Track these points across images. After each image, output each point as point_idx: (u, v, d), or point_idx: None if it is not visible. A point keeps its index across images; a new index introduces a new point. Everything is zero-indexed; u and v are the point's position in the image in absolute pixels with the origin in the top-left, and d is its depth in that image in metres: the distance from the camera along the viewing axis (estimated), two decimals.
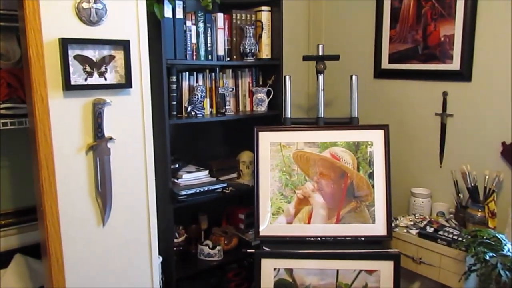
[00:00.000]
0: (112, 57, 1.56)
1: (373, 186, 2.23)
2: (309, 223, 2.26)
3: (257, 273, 2.18)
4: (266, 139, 2.36)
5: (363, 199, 2.23)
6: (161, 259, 2.24)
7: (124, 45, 1.56)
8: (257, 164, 2.33)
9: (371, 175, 2.24)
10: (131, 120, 1.64)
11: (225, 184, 2.44)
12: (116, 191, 1.64)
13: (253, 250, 2.30)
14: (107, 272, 1.66)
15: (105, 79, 1.56)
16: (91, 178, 1.58)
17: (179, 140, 2.59)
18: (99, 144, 1.57)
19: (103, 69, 1.55)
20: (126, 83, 1.59)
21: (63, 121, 1.49)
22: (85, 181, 1.57)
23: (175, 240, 2.47)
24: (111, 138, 1.60)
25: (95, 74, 1.54)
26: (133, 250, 1.72)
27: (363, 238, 2.18)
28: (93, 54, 1.52)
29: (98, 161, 1.57)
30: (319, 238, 2.21)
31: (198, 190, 2.32)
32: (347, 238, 2.19)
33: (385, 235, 2.17)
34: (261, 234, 2.28)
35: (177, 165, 2.43)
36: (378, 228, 2.18)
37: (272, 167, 2.32)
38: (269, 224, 2.28)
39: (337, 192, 2.26)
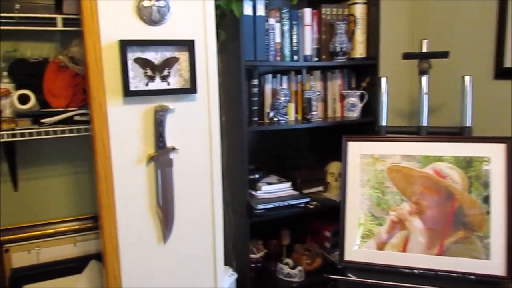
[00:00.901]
0: (175, 60, 1.41)
1: (488, 213, 1.81)
2: (404, 251, 1.92)
3: None
4: (356, 150, 2.06)
5: (475, 229, 1.83)
6: (235, 276, 2.07)
7: (188, 45, 1.40)
8: (345, 179, 2.04)
9: (486, 199, 1.82)
10: (196, 128, 1.48)
11: (308, 199, 2.20)
12: (179, 206, 1.49)
13: (337, 277, 2.02)
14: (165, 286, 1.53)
15: (168, 83, 1.41)
16: (152, 192, 1.45)
17: (261, 148, 2.40)
18: (160, 155, 1.43)
19: (165, 72, 1.40)
20: (191, 88, 1.43)
21: (123, 129, 1.38)
22: (145, 195, 1.44)
23: (253, 256, 2.29)
24: (173, 149, 1.45)
25: (157, 79, 1.40)
26: (197, 269, 1.56)
27: (473, 277, 1.78)
28: (154, 56, 1.38)
29: (160, 173, 1.44)
30: (416, 271, 1.86)
31: (277, 205, 2.10)
32: (452, 274, 1.81)
33: (504, 275, 1.74)
34: (346, 259, 1.99)
35: (256, 176, 2.24)
36: (495, 266, 1.76)
37: (362, 183, 2.02)
38: (357, 249, 1.98)
39: (441, 217, 1.88)
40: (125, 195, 1.41)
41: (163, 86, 1.40)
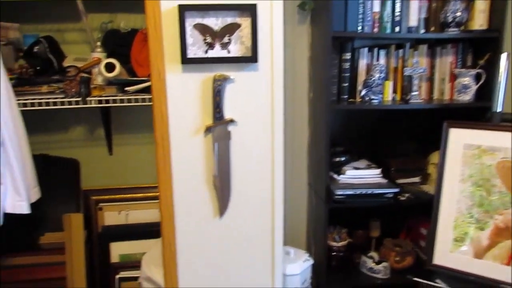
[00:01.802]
0: (237, 26, 1.33)
1: None
2: (508, 265, 1.59)
3: None
4: (460, 139, 1.75)
5: None
6: (311, 261, 1.96)
7: (251, 10, 1.30)
8: (442, 171, 1.76)
9: None
10: (257, 101, 1.39)
11: (397, 190, 1.95)
12: (236, 181, 1.43)
13: (423, 281, 1.77)
14: (222, 266, 1.49)
15: (228, 51, 1.34)
16: (209, 164, 1.41)
17: (352, 129, 2.21)
18: (218, 127, 1.37)
19: (226, 39, 1.33)
20: (252, 57, 1.34)
21: (180, 98, 1.35)
22: (202, 167, 1.41)
23: (334, 244, 2.14)
24: (232, 121, 1.39)
25: (217, 46, 1.33)
26: (253, 248, 1.49)
27: None
28: (215, 22, 1.32)
29: (217, 146, 1.39)
30: None
31: (359, 192, 1.91)
32: None
33: None
34: (434, 262, 1.73)
35: (343, 159, 2.06)
36: None
37: (463, 178, 1.72)
38: (448, 252, 1.71)
39: None
40: (181, 164, 1.39)
41: (222, 54, 1.34)
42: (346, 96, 1.99)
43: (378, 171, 2.02)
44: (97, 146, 2.13)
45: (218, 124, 1.37)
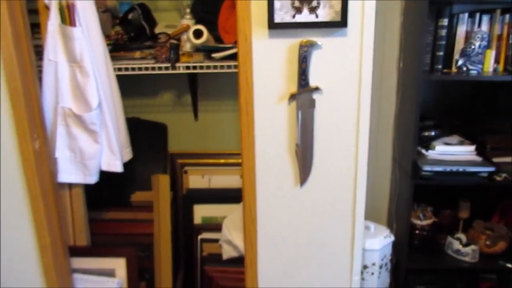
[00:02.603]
0: None
1: None
2: None
3: None
4: None
5: None
6: (392, 238, 1.91)
7: None
8: None
9: None
10: (344, 69, 1.33)
11: (492, 168, 1.80)
12: (318, 150, 1.40)
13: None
14: (300, 235, 1.50)
15: (316, 15, 1.29)
16: (291, 132, 1.40)
17: (445, 103, 2.06)
18: (302, 94, 1.35)
19: (314, 3, 1.28)
20: (341, 22, 1.28)
21: (266, 64, 1.34)
22: (285, 134, 1.40)
23: (418, 222, 2.05)
24: (317, 88, 1.35)
25: (305, 10, 1.29)
26: (333, 220, 1.47)
27: None
28: None
29: (300, 114, 1.37)
30: None
31: (449, 169, 1.79)
32: None
33: None
34: None
35: (433, 133, 1.94)
36: None
37: None
38: None
39: None
40: (264, 132, 1.39)
41: (310, 18, 1.29)
42: (440, 66, 1.85)
43: (472, 148, 1.88)
44: (183, 112, 2.21)
45: (303, 91, 1.34)
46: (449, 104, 2.08)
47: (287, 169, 1.42)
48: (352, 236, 1.48)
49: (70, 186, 1.82)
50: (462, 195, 2.06)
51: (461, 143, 1.91)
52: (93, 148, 1.69)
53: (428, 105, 2.02)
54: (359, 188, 1.43)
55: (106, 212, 2.11)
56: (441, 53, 1.83)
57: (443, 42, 1.82)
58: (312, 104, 1.36)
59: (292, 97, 1.35)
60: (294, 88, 1.34)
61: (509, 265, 1.80)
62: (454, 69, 1.85)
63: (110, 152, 1.74)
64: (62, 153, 1.69)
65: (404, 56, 1.94)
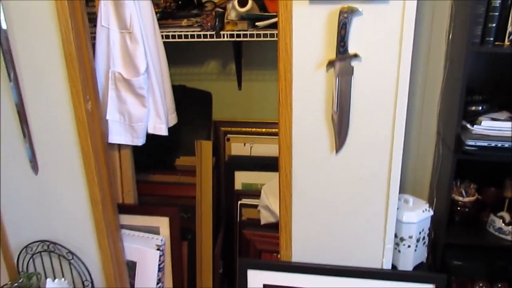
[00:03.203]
0: None
1: None
2: None
3: None
4: None
5: None
6: (431, 213, 1.89)
7: None
8: None
9: None
10: (385, 37, 1.32)
11: None
12: (355, 118, 1.41)
13: None
14: (334, 202, 1.52)
15: None
16: (328, 98, 1.41)
17: (496, 77, 1.98)
18: (341, 61, 1.36)
19: None
20: None
21: (306, 31, 1.35)
22: (322, 101, 1.41)
23: (459, 198, 2.01)
24: (355, 56, 1.35)
25: None
26: (368, 189, 1.48)
27: None
28: None
29: (338, 81, 1.38)
30: None
31: (493, 144, 1.74)
32: None
33: None
34: None
35: (480, 108, 1.88)
36: None
37: None
38: None
39: None
40: (302, 98, 1.41)
41: None
42: (492, 38, 1.76)
43: None
44: (228, 81, 2.27)
45: (341, 58, 1.35)
46: (500, 79, 1.99)
47: (323, 136, 1.45)
48: (386, 205, 1.49)
49: (119, 147, 1.94)
50: (508, 173, 1.99)
51: (510, 119, 1.83)
52: (140, 112, 1.79)
53: (478, 80, 1.94)
54: (395, 157, 1.43)
55: (153, 175, 2.24)
56: (494, 25, 1.75)
57: (496, 13, 1.73)
58: (350, 71, 1.36)
59: (330, 63, 1.36)
60: (332, 55, 1.35)
61: None
62: (507, 42, 1.76)
63: (156, 116, 1.83)
64: (112, 115, 1.80)
65: (454, 27, 1.87)
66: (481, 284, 1.94)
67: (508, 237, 1.90)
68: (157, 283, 1.94)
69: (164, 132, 1.85)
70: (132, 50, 1.68)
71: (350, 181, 1.48)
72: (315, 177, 1.49)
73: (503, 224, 1.91)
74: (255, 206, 2.15)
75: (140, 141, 1.85)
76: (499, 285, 1.92)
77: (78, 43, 1.48)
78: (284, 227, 1.57)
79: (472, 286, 1.95)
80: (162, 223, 1.96)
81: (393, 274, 1.54)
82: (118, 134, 1.83)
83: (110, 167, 1.80)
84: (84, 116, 1.56)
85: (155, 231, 1.97)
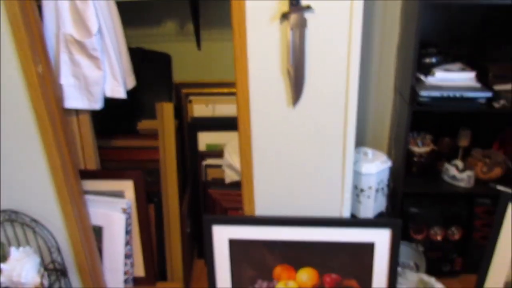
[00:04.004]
0: None
1: None
2: None
3: (499, 216, 1.62)
4: None
5: None
6: (389, 164, 1.95)
7: None
8: None
9: None
10: None
11: (490, 94, 1.80)
12: (310, 71, 1.43)
13: (506, 189, 1.69)
14: (293, 155, 1.55)
15: None
16: (284, 52, 1.41)
17: (450, 30, 2.02)
18: (294, 13, 1.35)
19: None
20: None
21: None
22: (277, 55, 1.42)
23: (416, 149, 2.09)
24: (308, 7, 1.35)
25: None
26: (325, 138, 1.52)
27: None
28: None
29: (292, 33, 1.38)
30: None
31: (446, 95, 1.80)
32: None
33: None
34: None
35: (434, 60, 1.93)
36: None
37: None
38: None
39: None
40: (257, 51, 1.41)
41: None
42: None
43: (472, 74, 1.87)
44: (186, 41, 2.23)
45: (295, 10, 1.35)
46: (454, 32, 2.04)
47: (280, 90, 1.46)
48: (344, 156, 1.53)
49: (77, 112, 1.90)
50: (462, 124, 2.08)
51: (462, 70, 1.90)
52: (96, 74, 1.75)
53: (433, 33, 1.99)
54: (350, 110, 1.46)
55: (115, 140, 2.21)
56: None
57: None
58: (304, 23, 1.36)
59: (284, 16, 1.35)
60: (285, 7, 1.35)
61: (500, 187, 1.84)
62: None
63: (113, 79, 1.79)
64: (66, 79, 1.75)
65: None
66: (436, 229, 2.05)
67: (461, 184, 1.99)
68: (125, 246, 1.96)
69: (122, 95, 1.82)
70: (82, 10, 1.62)
71: (308, 134, 1.51)
72: (274, 131, 1.51)
73: (457, 172, 2.00)
74: (220, 166, 2.17)
75: (97, 105, 1.81)
76: (453, 229, 2.04)
77: (22, 3, 1.42)
78: (246, 182, 1.60)
79: (428, 232, 2.06)
80: (127, 186, 1.95)
81: (351, 221, 1.60)
82: (74, 99, 1.79)
83: (68, 132, 1.77)
84: (36, 80, 1.52)
85: (120, 195, 1.96)
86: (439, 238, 2.05)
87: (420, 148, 2.09)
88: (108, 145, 2.19)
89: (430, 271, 1.94)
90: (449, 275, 2.10)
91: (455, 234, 2.04)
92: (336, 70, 1.42)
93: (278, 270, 1.68)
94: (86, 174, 1.93)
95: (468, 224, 2.04)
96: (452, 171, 2.02)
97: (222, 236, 1.65)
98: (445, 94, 1.78)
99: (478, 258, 1.93)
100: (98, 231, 1.96)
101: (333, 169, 1.55)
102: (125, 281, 2.00)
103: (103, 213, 1.93)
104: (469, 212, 2.02)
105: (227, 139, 2.17)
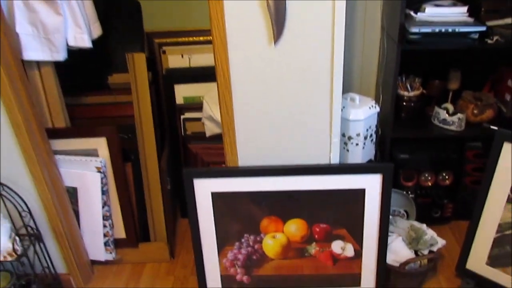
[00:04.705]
0: None
1: None
2: None
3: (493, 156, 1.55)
4: None
5: None
6: (377, 109, 1.86)
7: None
8: None
9: None
10: None
11: (483, 28, 1.69)
12: (292, 3, 1.29)
13: (496, 128, 1.62)
14: (277, 98, 1.44)
15: None
16: None
17: None
18: None
19: None
20: None
21: None
22: None
23: (405, 93, 1.99)
24: None
25: None
26: (311, 79, 1.40)
27: None
28: None
29: None
30: None
31: (438, 30, 1.68)
32: None
33: None
34: None
35: None
36: None
37: None
38: None
39: None
40: None
41: None
42: None
43: (464, 9, 1.75)
44: None
45: None
46: None
47: (259, 27, 1.32)
48: (331, 97, 1.42)
49: (39, 65, 1.73)
50: (453, 64, 1.98)
51: (453, 5, 1.77)
52: (55, 21, 1.58)
53: None
54: (337, 45, 1.34)
55: (85, 96, 2.06)
56: None
57: None
58: None
59: None
60: None
61: (492, 127, 1.77)
62: None
63: (75, 26, 1.63)
64: (23, 27, 1.58)
65: None
66: (426, 175, 1.98)
67: (452, 128, 1.92)
68: (103, 207, 1.85)
69: (87, 43, 1.66)
70: None
71: (292, 75, 1.39)
72: (255, 75, 1.39)
73: (447, 115, 1.92)
74: (199, 120, 2.04)
75: (60, 55, 1.66)
76: (444, 174, 1.97)
77: None
78: (227, 131, 1.48)
79: (418, 177, 1.99)
80: (100, 144, 1.82)
81: (341, 167, 1.51)
82: (34, 50, 1.63)
83: (29, 87, 1.62)
84: None
85: (93, 153, 1.84)
86: (429, 184, 1.99)
87: (409, 92, 1.99)
88: (78, 103, 2.04)
89: (420, 218, 1.90)
90: (439, 222, 2.06)
91: (446, 179, 1.98)
92: (320, 4, 1.28)
93: (265, 223, 1.60)
94: (55, 133, 1.79)
95: (459, 169, 1.98)
96: (443, 114, 1.94)
97: (204, 190, 1.55)
98: (436, 29, 1.66)
99: (469, 203, 1.89)
100: (72, 193, 1.84)
101: (320, 113, 1.45)
102: (106, 244, 1.91)
103: (77, 173, 1.81)
104: (460, 156, 1.96)
105: (205, 91, 2.03)
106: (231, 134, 1.49)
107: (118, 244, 1.96)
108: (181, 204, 2.28)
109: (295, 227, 1.60)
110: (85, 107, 2.04)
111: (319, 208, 1.55)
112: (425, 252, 1.70)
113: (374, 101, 1.85)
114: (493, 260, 1.60)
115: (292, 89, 1.42)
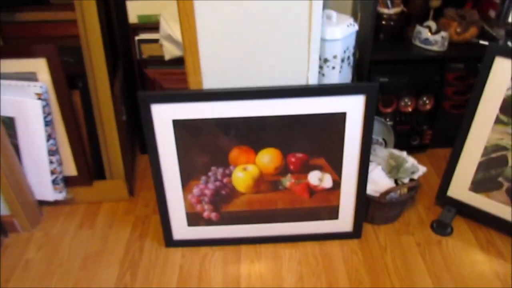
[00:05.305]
0: None
1: None
2: None
3: (483, 73, 1.41)
4: None
5: None
6: (355, 27, 1.68)
7: None
8: None
9: None
10: None
11: None
12: None
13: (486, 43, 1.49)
14: (247, 7, 1.22)
15: None
16: None
17: None
18: None
19: None
20: None
21: None
22: None
23: (384, 11, 1.82)
24: None
25: None
26: None
27: None
28: None
29: None
30: None
31: None
32: None
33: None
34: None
35: None
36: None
37: None
38: None
39: None
40: None
41: None
42: None
43: None
44: None
45: None
46: None
47: None
48: (310, 3, 1.21)
49: None
50: None
51: None
52: None
53: None
54: None
55: (21, 12, 1.76)
56: None
57: None
58: None
59: None
60: None
61: (482, 42, 1.64)
62: None
63: None
64: None
65: None
66: (406, 100, 1.86)
67: (434, 48, 1.77)
68: (48, 140, 1.62)
69: None
70: None
71: None
72: None
73: (429, 34, 1.77)
74: (157, 41, 1.80)
75: None
76: (424, 98, 1.85)
77: None
78: (189, 46, 1.26)
79: (398, 102, 1.87)
80: (39, 66, 1.56)
81: (321, 88, 1.34)
82: None
83: None
84: None
85: (31, 78, 1.57)
86: (409, 109, 1.87)
87: (390, 10, 1.81)
88: (12, 20, 1.75)
89: (397, 147, 1.79)
90: (418, 150, 1.97)
91: (427, 103, 1.86)
92: None
93: (235, 154, 1.43)
94: None
95: (439, 94, 1.86)
96: (425, 33, 1.78)
97: (164, 116, 1.34)
98: None
99: (448, 130, 1.80)
100: (9, 123, 1.59)
101: (297, 22, 1.24)
102: (54, 182, 1.70)
103: (12, 100, 1.55)
104: (441, 78, 1.83)
105: (162, 8, 1.77)
106: (193, 51, 1.27)
107: (69, 182, 1.76)
108: (140, 139, 2.07)
109: (268, 158, 1.45)
110: (20, 24, 1.75)
111: (295, 136, 1.40)
112: (406, 180, 1.61)
113: (352, 19, 1.67)
114: (477, 185, 1.53)
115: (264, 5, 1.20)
